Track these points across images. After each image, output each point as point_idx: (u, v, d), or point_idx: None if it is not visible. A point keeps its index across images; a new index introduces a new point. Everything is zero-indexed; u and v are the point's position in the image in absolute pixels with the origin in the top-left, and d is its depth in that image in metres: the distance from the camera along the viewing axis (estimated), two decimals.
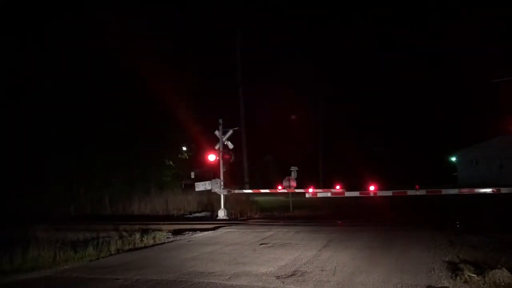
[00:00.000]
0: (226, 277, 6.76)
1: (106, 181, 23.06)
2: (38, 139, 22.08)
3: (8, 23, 22.44)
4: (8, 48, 22.26)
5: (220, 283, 6.42)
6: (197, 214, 19.92)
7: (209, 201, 21.09)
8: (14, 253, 8.48)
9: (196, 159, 29.23)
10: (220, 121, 18.59)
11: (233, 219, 17.26)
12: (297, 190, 18.77)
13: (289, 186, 19.49)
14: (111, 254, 9.47)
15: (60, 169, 22.53)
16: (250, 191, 21.78)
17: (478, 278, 6.20)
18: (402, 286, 6.08)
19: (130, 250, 10.05)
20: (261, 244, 10.08)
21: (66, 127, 22.46)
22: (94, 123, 22.67)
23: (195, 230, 13.18)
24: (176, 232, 12.73)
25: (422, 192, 15.52)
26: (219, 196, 18.12)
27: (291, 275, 6.86)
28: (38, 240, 9.83)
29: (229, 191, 18.28)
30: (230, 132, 18.64)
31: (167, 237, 11.84)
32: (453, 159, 51.44)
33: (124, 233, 11.94)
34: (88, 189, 22.57)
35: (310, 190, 17.21)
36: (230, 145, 18.68)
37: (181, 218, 18.64)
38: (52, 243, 9.45)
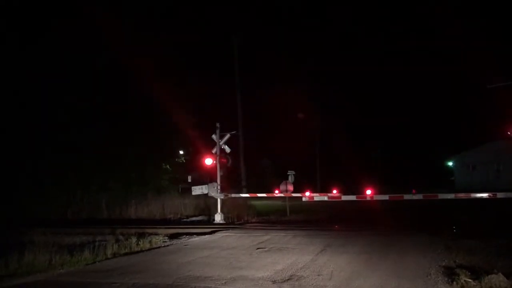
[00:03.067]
0: (223, 282, 6.75)
1: (103, 185, 22.98)
2: (35, 142, 22.02)
3: (7, 23, 22.43)
4: (7, 48, 22.22)
5: None
6: (194, 218, 19.86)
7: (206, 205, 21.04)
8: (10, 257, 8.44)
9: (193, 163, 29.21)
10: (218, 125, 18.59)
11: (230, 223, 17.23)
12: (294, 194, 18.74)
13: (286, 190, 19.48)
14: (107, 258, 9.44)
15: (56, 173, 22.46)
16: (247, 195, 21.73)
17: (474, 283, 6.21)
18: None
19: (126, 254, 10.01)
20: (258, 248, 10.07)
21: (63, 131, 22.38)
22: (91, 127, 22.61)
23: (191, 234, 13.15)
24: (173, 236, 12.70)
25: (418, 196, 15.54)
26: (216, 200, 18.09)
27: (288, 279, 6.85)
28: (34, 244, 9.79)
29: (226, 195, 18.26)
30: (228, 136, 18.64)
31: (164, 241, 11.81)
32: (450, 163, 51.55)
33: (121, 237, 11.91)
34: (84, 193, 22.48)
35: (307, 194, 17.18)
36: (227, 149, 18.67)
37: (177, 222, 18.59)
38: (48, 247, 9.42)
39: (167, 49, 26.54)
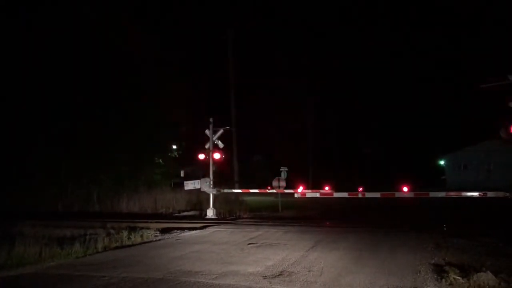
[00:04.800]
0: (213, 276, 6.75)
1: (95, 179, 22.88)
2: (26, 135, 21.84)
3: None
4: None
5: (207, 282, 6.40)
6: (186, 213, 19.86)
7: (198, 200, 21.04)
8: None
9: (186, 158, 29.18)
10: (211, 120, 18.56)
11: (222, 219, 17.25)
12: (286, 191, 18.79)
13: (279, 186, 19.52)
14: (97, 252, 9.41)
15: (48, 166, 22.31)
16: (239, 190, 21.77)
17: (463, 281, 6.26)
18: None
19: (117, 247, 9.98)
20: (249, 243, 10.08)
21: (54, 124, 22.21)
22: (82, 120, 22.46)
23: (183, 229, 13.15)
24: (164, 231, 12.69)
25: (410, 194, 15.61)
26: (209, 195, 18.08)
27: (278, 275, 6.86)
28: (24, 236, 9.74)
29: (218, 190, 18.25)
30: (221, 131, 18.61)
31: (155, 236, 11.79)
32: (442, 162, 51.91)
33: (112, 231, 11.88)
34: (76, 186, 22.37)
35: (299, 190, 17.22)
36: (221, 145, 18.66)
37: (169, 217, 18.57)
38: (39, 240, 9.37)
39: (160, 43, 26.41)
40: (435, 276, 6.68)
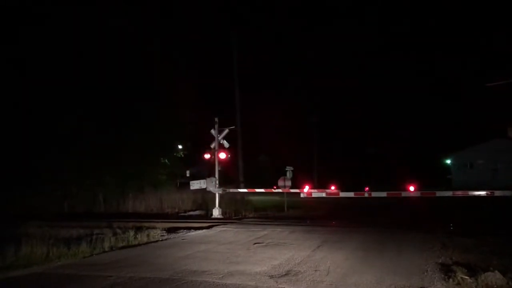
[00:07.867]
0: (220, 276, 6.75)
1: (100, 179, 22.92)
2: (31, 137, 21.88)
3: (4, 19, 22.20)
4: (2, 44, 22.01)
5: (213, 282, 6.40)
6: (191, 213, 19.89)
7: (204, 200, 21.06)
8: (7, 250, 8.43)
9: (191, 158, 29.18)
10: (216, 120, 18.59)
11: (228, 218, 17.26)
12: (292, 190, 18.75)
13: (284, 186, 19.49)
14: (104, 251, 9.44)
15: (53, 167, 22.36)
16: (245, 190, 21.75)
17: (471, 280, 6.22)
18: None
19: (123, 247, 10.02)
20: (255, 243, 10.08)
21: (60, 125, 22.25)
22: (88, 121, 22.49)
23: (189, 228, 13.17)
24: (170, 230, 12.73)
25: (416, 193, 15.53)
26: (214, 195, 18.10)
27: (285, 274, 6.86)
28: (31, 237, 9.79)
29: (224, 190, 18.27)
30: (226, 131, 18.64)
31: (161, 235, 11.82)
32: (448, 161, 51.66)
33: (118, 231, 11.92)
34: (81, 187, 22.43)
35: (305, 190, 17.18)
36: (226, 144, 18.68)
37: (175, 217, 18.61)
38: (45, 240, 9.42)
39: (166, 43, 26.43)
40: (442, 276, 6.65)
